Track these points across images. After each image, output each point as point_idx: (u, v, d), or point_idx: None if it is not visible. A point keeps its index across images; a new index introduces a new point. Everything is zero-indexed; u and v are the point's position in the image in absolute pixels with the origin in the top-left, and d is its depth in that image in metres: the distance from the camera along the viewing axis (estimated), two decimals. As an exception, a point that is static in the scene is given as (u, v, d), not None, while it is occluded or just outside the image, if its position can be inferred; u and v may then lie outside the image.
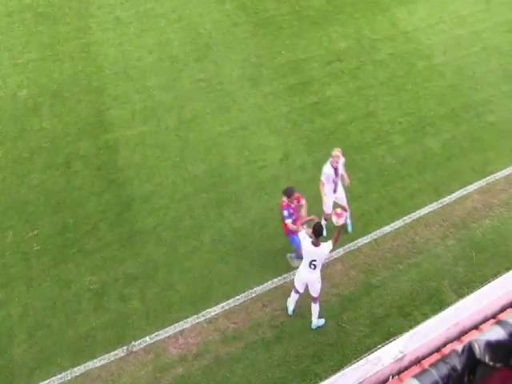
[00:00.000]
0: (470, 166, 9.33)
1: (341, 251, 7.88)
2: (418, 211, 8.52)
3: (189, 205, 8.15)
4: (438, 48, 11.74)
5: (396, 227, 8.26)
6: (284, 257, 7.71)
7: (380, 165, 9.19)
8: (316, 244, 6.32)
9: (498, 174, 9.26)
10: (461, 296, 6.09)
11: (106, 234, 7.91)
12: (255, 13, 12.11)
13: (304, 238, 6.41)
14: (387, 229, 8.22)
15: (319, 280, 6.68)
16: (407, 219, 8.41)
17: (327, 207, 7.43)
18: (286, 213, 6.91)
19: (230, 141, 9.25)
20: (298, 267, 6.84)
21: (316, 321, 7.02)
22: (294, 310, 7.19)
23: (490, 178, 9.15)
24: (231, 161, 9.03)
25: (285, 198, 6.95)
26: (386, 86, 10.71)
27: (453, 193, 8.84)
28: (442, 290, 7.48)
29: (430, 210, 8.58)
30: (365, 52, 11.44)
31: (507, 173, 9.28)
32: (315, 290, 6.77)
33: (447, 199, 8.75)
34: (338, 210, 6.50)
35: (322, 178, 7.16)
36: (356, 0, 12.93)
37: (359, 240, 8.05)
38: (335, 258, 7.78)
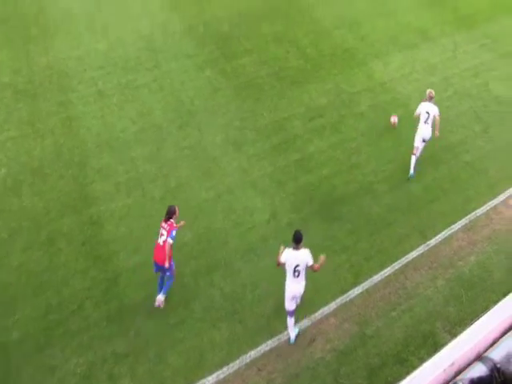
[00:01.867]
0: (452, 206, 9.83)
1: (333, 305, 8.05)
2: (406, 256, 8.82)
3: (178, 273, 8.02)
4: (413, 96, 12.49)
5: (386, 274, 8.52)
6: (277, 317, 7.74)
7: (366, 214, 9.53)
8: (297, 248, 6.93)
9: (479, 210, 9.83)
10: (454, 336, 6.18)
11: (93, 312, 7.90)
12: (235, 77, 12.82)
13: (284, 251, 6.99)
14: (377, 277, 8.47)
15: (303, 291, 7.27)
16: (396, 265, 8.68)
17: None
18: (174, 233, 7.55)
19: (216, 206, 9.45)
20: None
21: (294, 334, 7.49)
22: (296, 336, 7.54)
23: (471, 216, 9.69)
24: (218, 225, 9.31)
25: (173, 220, 7.58)
26: (367, 137, 11.32)
27: (438, 234, 9.25)
28: (436, 332, 7.66)
29: (418, 253, 8.91)
30: (345, 106, 12.01)
31: (487, 208, 9.88)
32: (300, 300, 7.42)
33: (433, 241, 9.14)
34: None
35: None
36: (333, 57, 13.85)
37: (350, 292, 8.23)
38: (328, 313, 7.93)
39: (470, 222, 9.51)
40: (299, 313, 7.62)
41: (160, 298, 7.83)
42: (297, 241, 6.88)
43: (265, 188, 9.81)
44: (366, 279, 8.33)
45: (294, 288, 7.09)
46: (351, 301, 8.03)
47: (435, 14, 15.95)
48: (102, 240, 8.73)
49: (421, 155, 10.27)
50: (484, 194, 10.08)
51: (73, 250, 8.57)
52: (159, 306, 7.82)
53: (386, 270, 8.49)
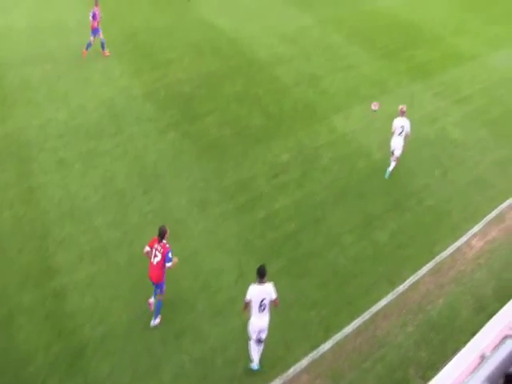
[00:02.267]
0: (418, 251, 10.56)
1: (305, 362, 8.35)
2: (375, 305, 9.31)
3: (146, 342, 8.42)
4: (374, 145, 13.67)
5: (357, 325, 8.95)
6: (247, 379, 8.03)
7: (334, 267, 10.11)
8: (261, 283, 7.61)
9: (444, 253, 10.58)
10: (427, 380, 6.52)
11: (57, 388, 7.78)
12: (199, 138, 13.70)
13: (249, 288, 7.65)
14: (348, 329, 8.88)
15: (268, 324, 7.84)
16: (366, 315, 9.15)
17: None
18: (170, 255, 8.44)
19: (183, 269, 9.87)
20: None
21: (258, 361, 8.02)
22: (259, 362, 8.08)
23: (437, 259, 10.43)
24: (186, 289, 9.74)
25: (165, 241, 8.47)
26: (332, 190, 12.16)
27: (406, 280, 9.86)
28: (409, 378, 8.07)
29: (387, 301, 9.42)
30: (308, 160, 12.90)
31: (451, 250, 10.66)
32: (265, 334, 7.92)
33: (401, 287, 9.72)
34: None
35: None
36: (294, 113, 14.94)
37: (322, 346, 8.58)
38: (300, 370, 8.22)
39: (436, 264, 10.23)
40: (271, 373, 7.97)
41: (154, 323, 8.86)
42: (261, 275, 7.59)
43: (232, 248, 10.35)
44: (337, 332, 8.74)
45: (259, 322, 7.70)
46: (323, 355, 8.38)
47: (391, 65, 17.62)
48: (66, 312, 8.95)
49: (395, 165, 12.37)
50: (448, 237, 10.90)
51: (35, 325, 8.74)
52: (152, 323, 8.88)
53: (356, 321, 8.95)
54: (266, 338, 7.94)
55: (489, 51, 19.33)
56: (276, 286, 7.81)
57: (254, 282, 7.63)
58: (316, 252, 10.29)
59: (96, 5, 16.81)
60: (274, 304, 7.74)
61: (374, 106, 12.70)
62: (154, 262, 8.49)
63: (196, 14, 20.67)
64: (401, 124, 12.08)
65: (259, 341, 7.92)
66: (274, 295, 7.64)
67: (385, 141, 13.47)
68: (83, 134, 13.60)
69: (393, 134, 12.18)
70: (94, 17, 16.65)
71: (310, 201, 11.53)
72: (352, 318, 9.00)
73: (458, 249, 10.67)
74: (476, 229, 11.21)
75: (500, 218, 11.59)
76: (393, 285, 9.66)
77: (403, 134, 12.08)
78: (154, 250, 8.50)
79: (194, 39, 18.60)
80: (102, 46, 17.16)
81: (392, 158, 12.26)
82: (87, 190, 11.77)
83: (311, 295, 9.36)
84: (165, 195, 11.63)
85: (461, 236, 10.96)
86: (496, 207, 11.85)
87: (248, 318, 7.84)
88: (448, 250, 10.61)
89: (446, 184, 12.46)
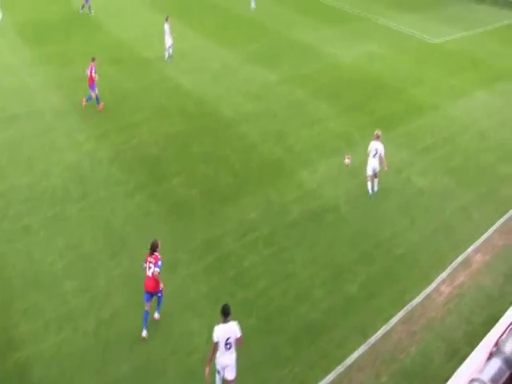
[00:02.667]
0: (388, 301, 11.21)
1: None
2: (348, 358, 9.80)
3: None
4: (342, 199, 14.65)
5: (331, 380, 9.40)
6: None
7: (305, 321, 10.63)
8: (226, 321, 8.28)
9: (415, 301, 11.28)
10: None
11: None
12: (166, 199, 14.34)
13: (214, 329, 8.27)
14: None
15: (235, 363, 8.48)
16: (340, 368, 9.61)
17: None
18: (160, 263, 9.81)
19: (154, 333, 10.16)
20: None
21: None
22: None
23: (408, 307, 11.08)
24: (157, 353, 10.00)
25: (157, 253, 9.90)
26: (300, 245, 12.86)
27: (378, 330, 10.41)
28: None
29: (360, 353, 9.92)
30: (276, 217, 13.61)
31: (422, 297, 11.35)
32: (232, 374, 8.56)
33: (373, 338, 10.25)
34: None
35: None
36: (262, 170, 15.89)
37: None
38: None
39: (407, 313, 10.87)
40: None
41: (156, 316, 10.48)
42: (225, 314, 8.31)
43: (202, 309, 10.80)
44: (311, 388, 9.15)
45: (225, 360, 8.46)
46: (297, 414, 8.76)
47: (356, 119, 19.01)
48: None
49: (378, 186, 14.66)
50: (418, 284, 11.64)
51: (-2, 401, 8.90)
52: (155, 316, 10.45)
53: (329, 376, 9.38)
54: (235, 378, 8.57)
55: (448, 101, 21.15)
56: (248, 344, 8.26)
57: (219, 323, 8.29)
58: (287, 308, 10.82)
59: (93, 61, 18.57)
60: (238, 342, 8.42)
61: (348, 159, 14.29)
62: (150, 274, 9.83)
63: (162, 76, 22.01)
64: (375, 147, 14.26)
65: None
66: (238, 334, 8.34)
67: (351, 193, 14.59)
68: (48, 199, 14.14)
69: (368, 155, 14.36)
70: (91, 72, 18.37)
71: (279, 257, 12.21)
72: (326, 373, 9.44)
73: (428, 295, 11.41)
74: (444, 275, 12.04)
75: (467, 262, 12.48)
76: (365, 336, 10.21)
77: (377, 156, 14.22)
78: (147, 264, 9.87)
79: (161, 101, 19.78)
80: (97, 100, 18.99)
81: (369, 179, 14.51)
82: (53, 255, 12.19)
83: (284, 352, 9.80)
84: (133, 258, 12.08)
85: (430, 283, 11.73)
86: (462, 252, 12.77)
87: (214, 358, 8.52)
88: (418, 297, 11.32)
89: (413, 232, 13.39)
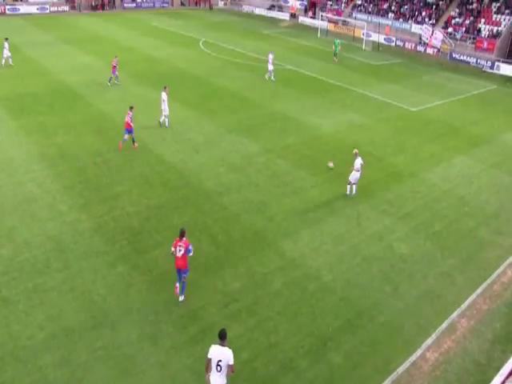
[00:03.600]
0: (374, 370, 11.70)
1: None
2: None
3: None
4: (324, 267, 15.31)
5: None
6: None
7: None
8: (222, 344, 9.51)
9: (400, 369, 11.80)
10: None
11: None
12: (148, 271, 14.81)
13: (211, 347, 9.55)
14: None
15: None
16: None
17: None
18: (191, 247, 13.07)
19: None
20: None
21: None
22: None
23: (394, 376, 11.61)
24: None
25: (185, 238, 12.94)
26: (284, 314, 13.37)
27: None
28: None
29: None
30: (259, 287, 14.19)
31: (407, 365, 11.89)
32: None
33: None
34: None
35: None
36: (244, 240, 16.58)
37: None
38: None
39: (393, 382, 11.34)
40: None
41: (181, 298, 13.41)
42: (221, 337, 9.60)
43: (185, 381, 11.08)
44: None
45: (215, 381, 9.54)
46: None
47: (337, 188, 20.11)
48: None
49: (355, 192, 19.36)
50: (403, 352, 12.18)
51: None
52: (180, 299, 13.42)
53: None
54: None
55: (427, 168, 22.64)
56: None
57: (216, 343, 9.63)
58: (272, 378, 11.19)
59: (131, 110, 22.78)
60: (229, 369, 9.57)
61: (331, 164, 19.65)
62: (180, 255, 12.94)
63: (144, 147, 23.06)
64: (360, 162, 19.06)
65: None
66: (231, 362, 9.51)
67: (334, 262, 15.30)
68: (28, 270, 14.52)
69: (353, 170, 19.23)
70: (130, 119, 22.59)
71: (262, 327, 12.68)
72: None
73: (414, 363, 11.92)
74: (429, 341, 12.61)
75: (452, 328, 13.12)
76: (351, 406, 10.62)
77: (360, 169, 19.23)
78: (178, 247, 12.91)
79: (143, 172, 20.70)
80: (133, 141, 22.92)
81: (349, 185, 19.57)
82: (32, 328, 12.45)
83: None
84: (114, 330, 12.45)
85: (415, 350, 12.28)
86: (447, 318, 13.43)
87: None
88: (404, 365, 11.82)
89: (397, 299, 14.04)
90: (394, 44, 54.05)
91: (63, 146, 22.82)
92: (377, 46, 51.94)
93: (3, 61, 36.63)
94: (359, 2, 62.83)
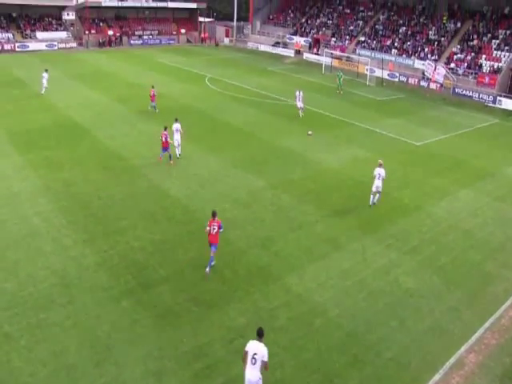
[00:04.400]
0: None
1: None
2: None
3: None
4: (330, 302, 15.36)
5: None
6: None
7: None
8: (259, 340, 10.78)
9: None
10: None
11: None
12: (153, 306, 14.92)
13: (249, 341, 10.86)
14: None
15: (260, 379, 10.73)
16: None
17: None
18: (222, 224, 16.27)
19: None
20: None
21: None
22: None
23: None
24: None
25: (217, 218, 16.08)
26: (289, 350, 13.41)
27: None
28: None
29: None
30: (264, 322, 14.32)
31: None
32: None
33: None
34: None
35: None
36: (249, 276, 16.67)
37: None
38: None
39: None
40: None
41: (207, 270, 16.20)
42: (259, 335, 10.89)
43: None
44: None
45: (249, 375, 10.76)
46: None
47: (342, 222, 20.27)
48: None
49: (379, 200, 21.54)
50: (411, 388, 12.12)
51: None
52: (206, 270, 16.25)
53: None
54: None
55: (432, 201, 22.86)
56: None
57: (254, 339, 10.87)
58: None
59: (165, 130, 25.52)
60: (264, 365, 10.74)
61: (310, 132, 22.69)
62: (214, 232, 15.93)
63: (149, 183, 23.46)
64: (379, 172, 21.36)
65: None
66: (265, 358, 10.70)
67: (340, 297, 15.33)
68: (31, 305, 14.59)
69: (374, 178, 21.44)
70: (165, 138, 25.35)
71: (268, 363, 12.57)
72: None
73: (421, 401, 11.82)
74: (437, 377, 12.56)
75: (460, 363, 13.05)
76: None
77: (381, 178, 21.30)
78: (212, 226, 15.85)
79: (148, 207, 20.98)
80: (170, 157, 25.87)
81: (372, 194, 21.68)
82: (34, 365, 12.46)
83: None
84: (118, 367, 12.46)
85: (423, 387, 12.20)
86: (455, 353, 13.38)
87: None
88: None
89: (403, 334, 14.02)
90: (397, 79, 55.10)
91: (69, 181, 23.22)
92: (380, 82, 52.95)
93: (43, 90, 40.49)
94: (362, 39, 64.43)
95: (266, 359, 10.60)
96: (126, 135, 30.46)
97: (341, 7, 73.39)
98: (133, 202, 21.42)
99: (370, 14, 68.62)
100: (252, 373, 10.61)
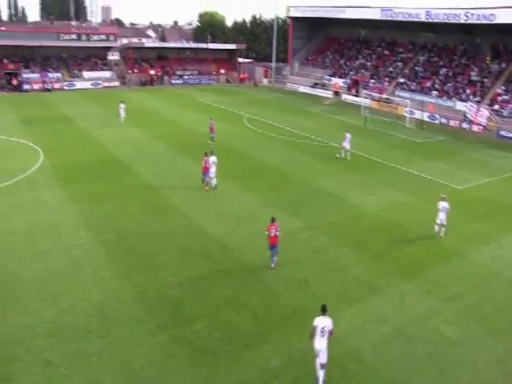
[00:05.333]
0: None
1: None
2: None
3: None
4: (367, 347, 15.25)
5: None
6: None
7: None
8: (323, 315, 13.44)
9: None
10: None
11: None
12: (188, 343, 15.18)
13: (315, 318, 13.49)
14: None
15: (327, 349, 13.27)
16: None
17: None
18: (279, 229, 19.57)
19: None
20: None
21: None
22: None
23: None
24: None
25: (276, 223, 19.47)
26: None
27: None
28: None
29: None
30: (299, 365, 14.46)
31: None
32: (324, 358, 13.30)
33: None
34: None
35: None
36: (284, 317, 16.71)
37: None
38: None
39: None
40: None
41: (272, 265, 19.53)
42: (323, 310, 13.51)
43: None
44: None
45: (319, 344, 13.23)
46: None
47: (380, 266, 20.18)
48: None
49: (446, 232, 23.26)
50: None
51: None
52: (272, 266, 19.56)
53: None
54: (327, 363, 13.17)
55: (474, 247, 22.50)
56: None
57: (318, 315, 13.40)
58: None
59: (205, 155, 28.26)
60: (330, 333, 13.30)
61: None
62: (273, 235, 19.11)
63: (187, 220, 24.06)
64: (443, 205, 23.13)
65: (321, 365, 13.29)
66: (331, 327, 13.35)
67: (377, 343, 15.21)
68: (71, 334, 15.11)
69: (439, 211, 23.15)
70: (206, 163, 28.15)
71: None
72: None
73: None
74: None
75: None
76: None
77: (445, 211, 23.09)
78: (271, 229, 19.11)
79: (185, 243, 21.46)
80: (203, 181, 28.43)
81: (437, 226, 23.41)
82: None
83: None
84: (152, 401, 12.62)
85: None
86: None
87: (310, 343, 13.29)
88: None
89: (443, 385, 13.73)
90: (437, 121, 54.99)
91: (109, 214, 24.09)
92: (420, 124, 52.96)
93: (122, 119, 46.70)
94: (402, 80, 65.01)
95: (331, 327, 13.32)
96: (165, 172, 31.44)
97: (380, 49, 74.59)
98: (170, 238, 21.98)
99: (409, 55, 69.34)
100: (322, 343, 13.16)
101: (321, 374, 13.24)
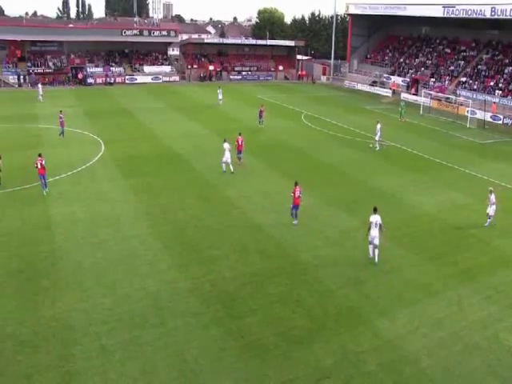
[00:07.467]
0: None
1: None
2: None
3: None
4: (422, 352, 14.76)
5: None
6: None
7: None
8: (375, 213, 19.49)
9: None
10: None
11: None
12: (241, 337, 15.24)
13: (370, 216, 19.57)
14: None
15: (379, 236, 19.45)
16: None
17: None
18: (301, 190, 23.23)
19: None
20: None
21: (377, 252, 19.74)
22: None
23: None
24: None
25: (299, 186, 23.01)
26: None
27: None
28: None
29: None
30: (352, 365, 14.05)
31: None
32: (377, 241, 19.48)
33: None
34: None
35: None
36: (338, 316, 16.51)
37: None
38: None
39: None
40: None
41: (295, 222, 23.22)
42: (374, 210, 19.49)
43: None
44: None
45: (374, 232, 19.31)
46: None
47: (437, 269, 19.54)
48: None
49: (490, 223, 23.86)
50: None
51: None
52: (294, 222, 23.25)
53: None
54: (379, 244, 19.02)
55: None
56: None
57: (371, 214, 19.23)
58: None
59: (239, 135, 32.31)
60: (380, 227, 19.25)
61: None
62: (297, 196, 22.47)
63: (243, 215, 24.25)
64: (490, 197, 23.87)
65: (375, 246, 19.42)
66: (380, 221, 19.28)
67: (434, 347, 14.70)
68: (127, 322, 15.51)
69: (488, 204, 24.00)
70: (239, 143, 31.87)
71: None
72: None
73: None
74: None
75: None
76: None
77: (492, 203, 23.89)
78: (296, 192, 22.40)
79: (241, 239, 21.59)
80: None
81: (488, 216, 24.13)
82: (126, 379, 13.15)
83: None
84: None
85: None
86: None
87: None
88: None
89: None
90: (501, 122, 52.57)
91: (167, 207, 24.57)
92: (482, 124, 50.85)
93: (220, 102, 55.20)
94: (464, 79, 62.67)
95: (381, 222, 19.27)
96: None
97: (441, 47, 72.12)
98: (226, 232, 22.16)
99: (472, 53, 66.72)
100: (375, 232, 19.25)
101: (376, 252, 19.50)
